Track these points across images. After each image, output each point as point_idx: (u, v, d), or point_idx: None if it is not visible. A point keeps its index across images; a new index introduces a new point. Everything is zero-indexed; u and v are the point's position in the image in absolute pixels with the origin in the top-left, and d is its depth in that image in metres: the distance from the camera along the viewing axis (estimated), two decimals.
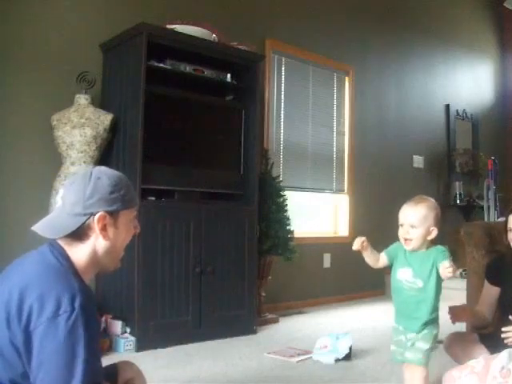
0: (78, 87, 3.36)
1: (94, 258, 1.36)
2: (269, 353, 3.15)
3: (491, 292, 2.43)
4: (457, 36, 6.90)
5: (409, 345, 2.09)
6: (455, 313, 2.29)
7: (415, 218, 2.07)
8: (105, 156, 3.39)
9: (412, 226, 2.07)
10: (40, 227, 1.37)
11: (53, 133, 3.24)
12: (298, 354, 3.10)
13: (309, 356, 3.07)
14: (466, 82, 7.08)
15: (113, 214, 1.36)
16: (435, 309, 2.10)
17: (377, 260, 2.20)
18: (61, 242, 1.35)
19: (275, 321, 4.07)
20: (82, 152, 3.20)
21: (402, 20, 6.08)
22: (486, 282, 2.49)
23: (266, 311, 4.06)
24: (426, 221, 2.07)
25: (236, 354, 3.14)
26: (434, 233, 2.09)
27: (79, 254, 1.34)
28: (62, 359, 1.16)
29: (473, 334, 2.46)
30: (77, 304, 1.19)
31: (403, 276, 2.13)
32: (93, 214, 1.33)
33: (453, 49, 6.83)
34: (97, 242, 1.35)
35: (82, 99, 3.31)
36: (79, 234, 1.33)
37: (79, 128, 3.20)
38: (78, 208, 1.33)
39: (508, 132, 7.64)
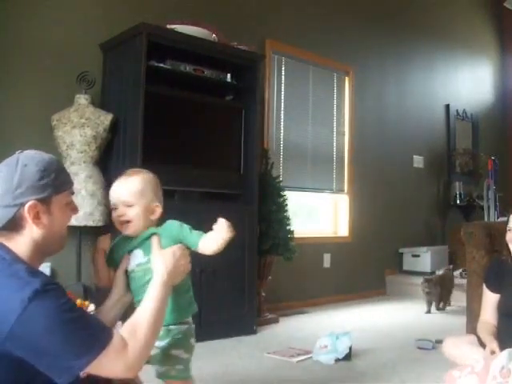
0: (78, 87, 3.35)
1: (36, 247, 1.31)
2: (269, 353, 3.15)
3: (491, 299, 2.35)
4: (457, 36, 6.90)
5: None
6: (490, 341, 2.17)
7: (129, 194, 1.64)
8: (105, 156, 3.38)
9: (128, 205, 1.64)
10: None
11: (53, 133, 3.24)
12: (298, 354, 3.10)
13: (309, 356, 3.07)
14: (466, 82, 7.08)
15: (45, 201, 1.30)
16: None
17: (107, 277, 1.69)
18: None
19: (275, 321, 4.06)
20: (81, 152, 3.20)
21: (402, 20, 6.08)
22: (484, 288, 2.39)
23: (266, 311, 4.06)
24: (144, 196, 1.69)
25: (236, 354, 3.14)
26: (159, 211, 1.74)
27: (19, 245, 1.29)
28: (57, 336, 1.17)
29: (471, 337, 2.44)
30: (37, 285, 1.18)
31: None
32: (23, 204, 1.27)
33: (453, 49, 6.83)
34: (33, 232, 1.30)
35: (82, 99, 3.32)
36: (13, 225, 1.28)
37: (79, 128, 3.20)
38: (7, 199, 1.27)
39: (508, 132, 7.64)
